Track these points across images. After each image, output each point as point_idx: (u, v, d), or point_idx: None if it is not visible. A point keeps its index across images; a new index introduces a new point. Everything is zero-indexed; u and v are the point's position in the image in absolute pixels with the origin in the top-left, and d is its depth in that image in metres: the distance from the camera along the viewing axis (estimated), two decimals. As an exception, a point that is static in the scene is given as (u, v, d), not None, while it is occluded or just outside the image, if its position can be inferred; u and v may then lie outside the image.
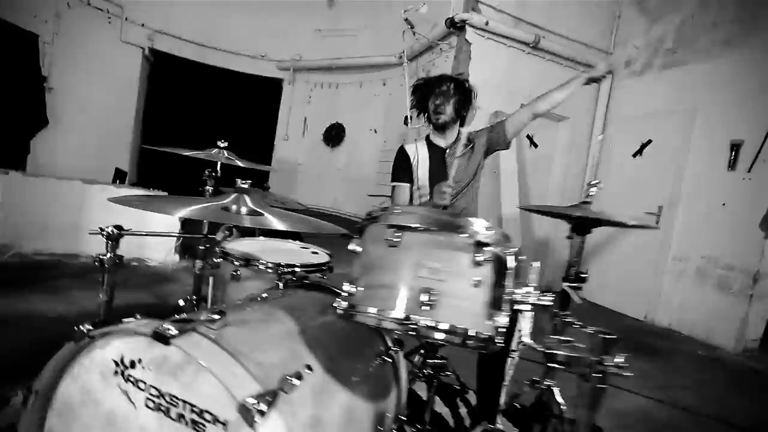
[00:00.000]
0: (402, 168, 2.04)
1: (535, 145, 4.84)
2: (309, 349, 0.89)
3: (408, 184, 2.04)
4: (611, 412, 2.16)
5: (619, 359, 0.87)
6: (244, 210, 1.01)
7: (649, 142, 4.42)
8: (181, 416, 0.72)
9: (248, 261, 1.43)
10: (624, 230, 4.52)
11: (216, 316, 0.81)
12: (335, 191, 6.68)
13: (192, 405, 0.71)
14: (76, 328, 0.80)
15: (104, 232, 1.17)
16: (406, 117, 5.29)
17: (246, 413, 0.64)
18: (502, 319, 0.85)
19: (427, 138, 2.08)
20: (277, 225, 0.98)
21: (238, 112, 6.76)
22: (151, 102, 6.10)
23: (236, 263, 1.44)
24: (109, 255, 1.19)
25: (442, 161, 2.00)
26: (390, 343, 1.17)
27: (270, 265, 1.37)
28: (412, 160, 2.04)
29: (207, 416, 0.70)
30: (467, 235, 0.84)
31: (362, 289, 0.86)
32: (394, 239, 0.84)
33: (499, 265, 0.87)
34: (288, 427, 0.69)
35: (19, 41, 4.36)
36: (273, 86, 6.95)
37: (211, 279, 1.57)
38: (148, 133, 6.13)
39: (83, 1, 5.01)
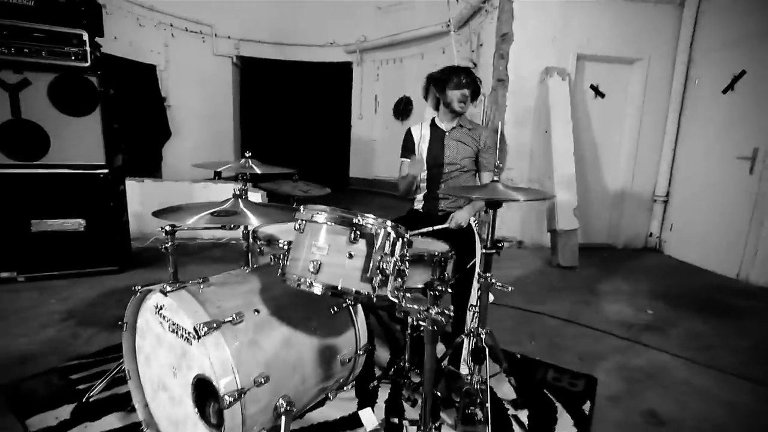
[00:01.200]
0: (407, 147, 2.37)
1: (602, 95, 4.51)
2: (263, 300, 1.37)
3: (417, 160, 2.37)
4: (620, 365, 2.25)
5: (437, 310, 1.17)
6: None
7: (743, 74, 3.80)
8: (182, 335, 1.25)
9: (269, 241, 1.94)
10: (712, 183, 4.07)
11: (200, 280, 1.34)
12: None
13: (185, 329, 1.23)
14: (134, 287, 1.40)
15: (164, 230, 1.79)
16: None
17: (196, 333, 1.14)
18: (378, 280, 1.19)
19: (432, 120, 2.35)
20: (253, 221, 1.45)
21: (316, 98, 7.48)
22: (245, 101, 7.13)
23: (260, 242, 1.96)
24: (170, 243, 1.80)
25: (441, 141, 2.26)
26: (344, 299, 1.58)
27: (285, 243, 1.82)
28: (416, 139, 2.35)
29: (190, 335, 1.21)
30: (350, 222, 1.19)
31: (288, 261, 1.28)
32: (300, 228, 1.24)
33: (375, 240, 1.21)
34: (227, 343, 1.17)
35: (142, 73, 5.57)
36: (344, 70, 7.47)
37: (249, 255, 2.15)
38: (246, 129, 7.22)
39: (183, 29, 6.07)
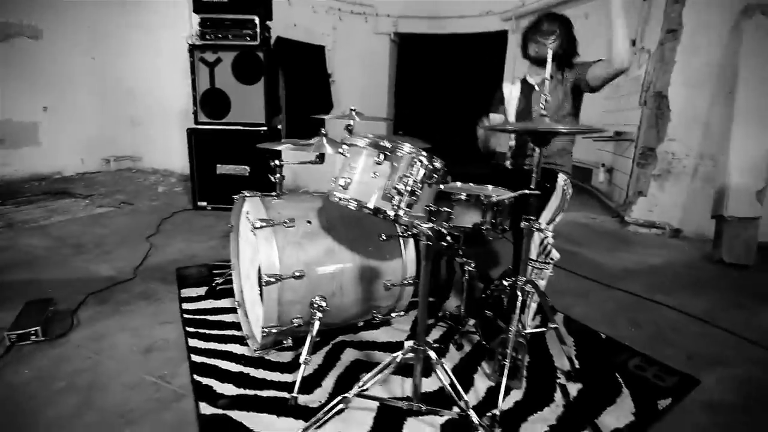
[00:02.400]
0: (495, 104, 2.32)
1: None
2: (317, 215, 1.63)
3: (498, 116, 2.31)
4: (747, 378, 1.79)
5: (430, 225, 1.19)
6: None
7: None
8: (252, 231, 1.60)
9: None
10: None
11: (275, 194, 1.68)
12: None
13: (252, 225, 1.58)
14: (235, 196, 1.83)
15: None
16: (633, 40, 4.62)
17: (253, 227, 1.47)
18: (397, 199, 1.30)
19: (523, 78, 2.24)
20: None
21: (470, 70, 7.42)
22: (401, 77, 7.59)
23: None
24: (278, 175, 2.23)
25: (529, 98, 2.14)
26: (399, 231, 1.73)
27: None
28: (506, 96, 2.28)
29: (254, 231, 1.56)
30: (380, 146, 1.33)
31: (333, 182, 1.50)
32: (344, 152, 1.43)
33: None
34: (276, 239, 1.47)
35: (313, 53, 6.51)
36: (499, 39, 7.17)
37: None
38: (401, 103, 7.70)
39: (349, 12, 6.80)
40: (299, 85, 6.04)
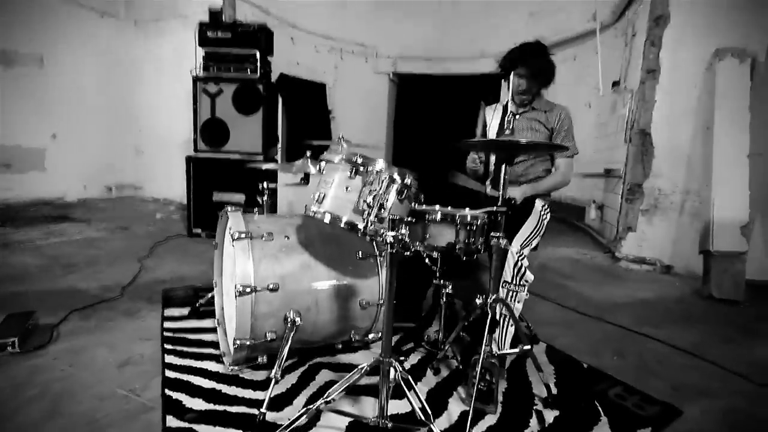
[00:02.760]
0: (478, 123, 2.43)
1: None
2: (296, 231, 1.67)
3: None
4: (732, 409, 1.75)
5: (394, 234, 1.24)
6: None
7: None
8: (232, 244, 1.65)
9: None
10: None
11: (256, 210, 1.73)
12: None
13: (231, 237, 1.62)
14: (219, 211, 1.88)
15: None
16: (615, 82, 4.83)
17: (231, 238, 1.51)
18: (367, 212, 1.35)
19: (506, 103, 2.35)
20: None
21: (465, 108, 7.67)
22: (399, 114, 7.86)
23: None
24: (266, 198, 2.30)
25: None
26: (375, 249, 1.76)
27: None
28: (487, 119, 2.38)
29: (233, 242, 1.60)
30: (352, 161, 1.40)
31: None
32: (321, 168, 1.50)
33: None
34: (252, 250, 1.50)
35: (315, 90, 6.79)
36: (493, 80, 7.47)
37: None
38: (399, 140, 7.92)
39: (350, 52, 7.16)
40: (300, 119, 6.25)
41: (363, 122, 7.39)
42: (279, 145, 5.39)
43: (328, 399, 1.29)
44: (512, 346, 1.71)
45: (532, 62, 2.12)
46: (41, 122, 5.14)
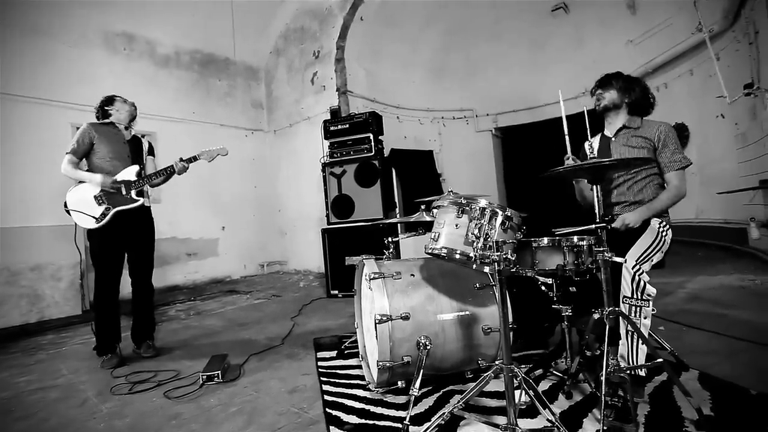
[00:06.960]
0: (580, 158, 2.49)
1: None
2: (419, 269, 1.95)
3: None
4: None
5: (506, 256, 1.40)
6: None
7: None
8: (368, 286, 1.99)
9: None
10: None
11: (389, 256, 2.08)
12: (695, 198, 5.84)
13: (368, 280, 1.98)
14: (356, 263, 2.28)
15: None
16: (746, 84, 4.38)
17: (368, 279, 1.86)
18: (478, 245, 1.59)
19: (602, 132, 2.43)
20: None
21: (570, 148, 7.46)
22: (507, 165, 8.01)
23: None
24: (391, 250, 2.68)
25: (607, 149, 2.30)
26: (491, 279, 1.95)
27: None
28: (587, 152, 2.46)
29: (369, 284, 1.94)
30: (458, 203, 1.68)
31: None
32: (434, 214, 1.81)
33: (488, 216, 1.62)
34: (386, 287, 1.82)
35: (423, 157, 7.41)
36: (596, 117, 7.21)
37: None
38: (511, 189, 7.99)
39: (451, 118, 7.73)
40: (412, 185, 6.84)
41: (471, 178, 7.69)
42: (397, 210, 5.96)
43: (464, 401, 1.46)
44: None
45: (610, 81, 2.22)
46: (215, 217, 6.62)
